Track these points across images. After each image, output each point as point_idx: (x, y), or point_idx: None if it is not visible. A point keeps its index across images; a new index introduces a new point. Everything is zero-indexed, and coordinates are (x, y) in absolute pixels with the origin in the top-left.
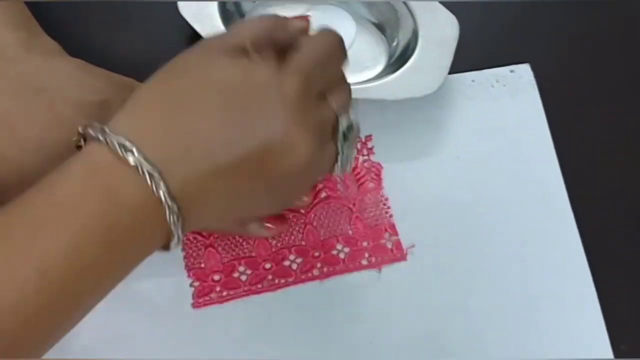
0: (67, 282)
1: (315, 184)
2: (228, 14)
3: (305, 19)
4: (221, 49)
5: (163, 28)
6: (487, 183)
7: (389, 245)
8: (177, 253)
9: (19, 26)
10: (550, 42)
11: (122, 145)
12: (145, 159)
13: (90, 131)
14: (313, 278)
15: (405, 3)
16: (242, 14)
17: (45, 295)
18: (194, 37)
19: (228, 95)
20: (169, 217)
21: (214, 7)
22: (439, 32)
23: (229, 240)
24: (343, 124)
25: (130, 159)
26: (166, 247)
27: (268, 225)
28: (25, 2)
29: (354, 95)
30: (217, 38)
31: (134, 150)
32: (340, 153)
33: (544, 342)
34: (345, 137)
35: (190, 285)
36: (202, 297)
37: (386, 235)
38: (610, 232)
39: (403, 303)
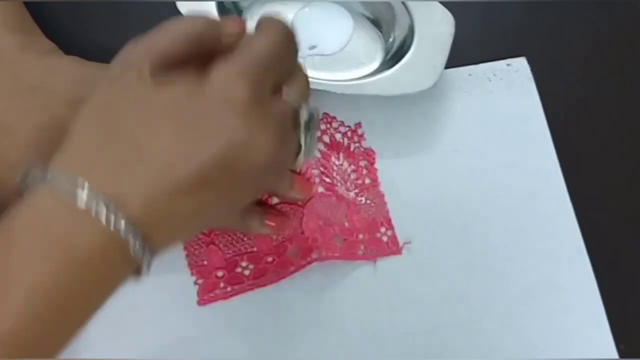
0: (38, 331)
1: (308, 177)
2: (226, 12)
3: (240, 21)
4: (145, 70)
5: None
6: (485, 176)
7: (385, 239)
8: (179, 252)
9: (16, 28)
10: (547, 35)
11: (70, 183)
12: (96, 194)
13: (35, 171)
14: (312, 261)
15: (401, 0)
16: (239, 11)
17: (13, 346)
18: None
19: (172, 114)
20: (134, 246)
21: (212, 5)
22: (435, 28)
23: (229, 236)
24: (304, 115)
25: (79, 200)
26: (138, 274)
27: (269, 222)
28: (25, 2)
29: (351, 92)
30: (135, 54)
31: (84, 187)
32: (303, 144)
33: (543, 332)
34: (307, 127)
35: (195, 282)
36: (207, 293)
37: (382, 229)
38: (609, 224)
39: (400, 295)
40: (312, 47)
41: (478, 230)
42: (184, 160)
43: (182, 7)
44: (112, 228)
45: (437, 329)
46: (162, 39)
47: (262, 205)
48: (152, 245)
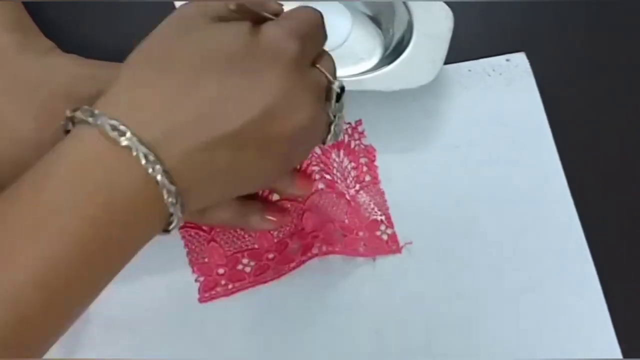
0: (70, 276)
1: (309, 173)
2: None
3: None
4: (200, 16)
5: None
6: (485, 171)
7: (385, 238)
8: (180, 250)
9: (15, 27)
10: (546, 30)
11: (113, 127)
12: (139, 140)
13: (80, 114)
14: (312, 256)
15: None
16: None
17: (47, 291)
18: None
19: (222, 62)
20: (167, 198)
21: None
22: (434, 24)
23: (230, 233)
24: (336, 86)
25: (123, 141)
26: (166, 229)
27: (269, 217)
28: (26, 2)
29: (349, 88)
30: (192, 6)
31: (127, 132)
32: (334, 125)
33: (544, 330)
34: (338, 105)
35: (196, 280)
36: (208, 291)
37: (382, 227)
38: (611, 220)
39: (400, 292)
40: None
41: (478, 226)
42: (229, 113)
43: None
44: (150, 178)
45: (438, 326)
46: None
47: (262, 201)
48: (185, 199)
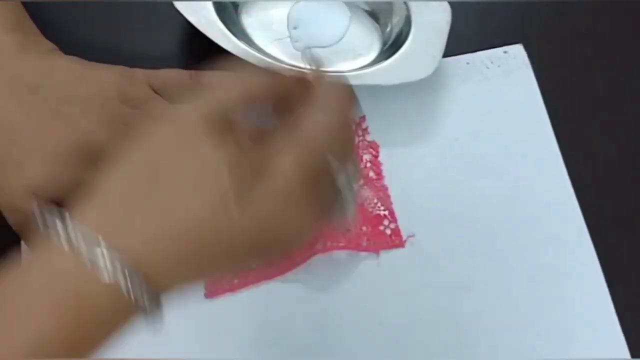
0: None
1: None
2: (222, 6)
3: (307, 82)
4: (199, 124)
5: (162, 27)
6: (486, 163)
7: (388, 232)
8: None
9: (14, 27)
10: (543, 21)
11: (84, 236)
12: (114, 253)
13: (50, 218)
14: (317, 252)
15: None
16: (235, 5)
17: None
18: (191, 33)
19: (214, 179)
20: (145, 305)
21: (208, 3)
22: (432, 17)
23: None
24: (347, 197)
25: (99, 260)
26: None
27: None
28: (25, 3)
29: (350, 83)
30: (193, 108)
31: (102, 245)
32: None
33: (548, 320)
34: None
35: None
36: (214, 286)
37: (385, 222)
38: (612, 210)
39: (404, 285)
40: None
41: (480, 219)
42: (214, 232)
43: (181, 6)
44: (120, 288)
45: (442, 318)
46: (218, 94)
47: None
48: (155, 289)
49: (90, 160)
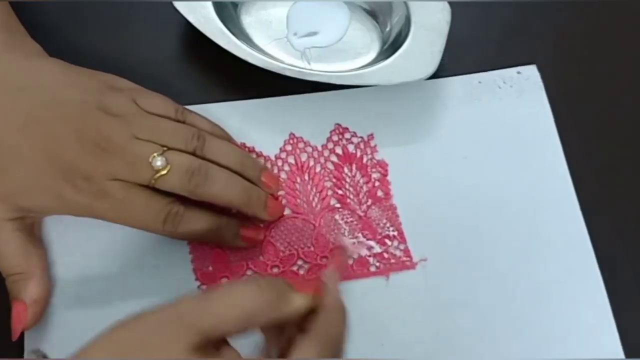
0: None
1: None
2: (221, 5)
3: (318, 291)
4: (185, 344)
5: (161, 26)
6: (494, 183)
7: (398, 253)
8: (185, 256)
9: (2, 28)
10: (556, 42)
11: None
12: None
13: None
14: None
15: None
16: (235, 4)
17: None
18: (191, 33)
19: None
20: None
21: (208, 3)
22: (431, 16)
23: None
24: None
25: None
26: None
27: (244, 234)
28: (21, 3)
29: (350, 82)
30: (186, 322)
31: None
32: None
33: (551, 335)
34: None
35: (198, 287)
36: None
37: (395, 242)
38: (618, 231)
39: (407, 301)
40: (312, 33)
41: (485, 236)
42: None
43: (180, 6)
44: None
45: (445, 334)
46: (212, 311)
47: (240, 217)
48: None
49: (64, 175)
